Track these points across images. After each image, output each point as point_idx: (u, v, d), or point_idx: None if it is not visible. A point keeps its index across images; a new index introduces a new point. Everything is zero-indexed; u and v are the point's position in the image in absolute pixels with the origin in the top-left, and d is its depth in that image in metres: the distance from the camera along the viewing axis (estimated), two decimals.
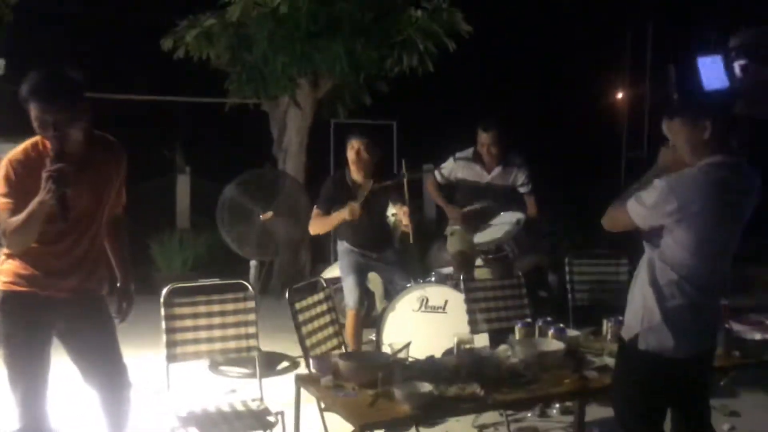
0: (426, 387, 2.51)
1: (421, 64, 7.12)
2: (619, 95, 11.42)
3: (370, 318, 5.15)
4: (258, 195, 5.11)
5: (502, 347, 3.03)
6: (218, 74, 7.51)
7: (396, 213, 4.62)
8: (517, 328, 3.29)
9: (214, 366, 4.95)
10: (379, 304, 5.55)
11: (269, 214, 5.06)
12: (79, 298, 2.76)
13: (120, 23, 9.23)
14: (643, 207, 2.50)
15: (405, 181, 4.29)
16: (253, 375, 4.70)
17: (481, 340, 3.89)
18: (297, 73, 7.18)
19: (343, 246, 4.62)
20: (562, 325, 3.30)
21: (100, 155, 2.73)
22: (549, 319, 3.35)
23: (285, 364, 5.16)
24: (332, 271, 6.41)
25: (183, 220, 8.76)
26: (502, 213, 4.76)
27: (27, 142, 2.61)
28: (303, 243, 7.90)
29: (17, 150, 2.60)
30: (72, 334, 2.80)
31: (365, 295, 4.63)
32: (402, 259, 4.79)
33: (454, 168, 4.93)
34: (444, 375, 2.73)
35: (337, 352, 3.39)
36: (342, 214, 4.28)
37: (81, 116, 2.56)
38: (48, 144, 2.52)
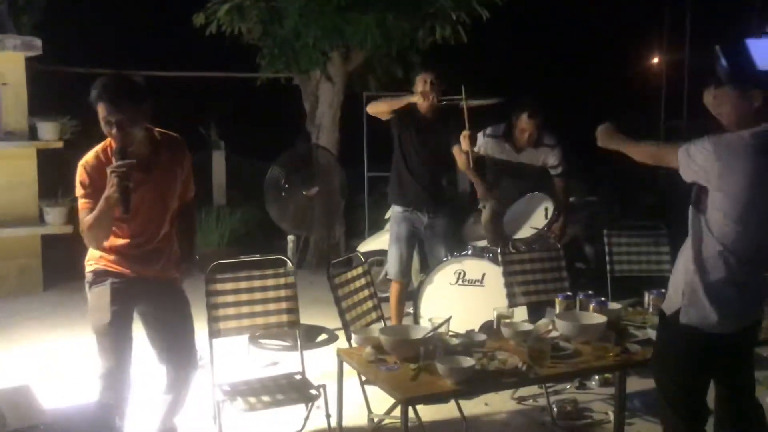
0: (468, 361, 2.52)
1: (454, 34, 7.04)
2: (657, 62, 11.14)
3: (407, 290, 5.17)
4: (303, 171, 5.13)
5: (543, 321, 3.03)
6: (251, 49, 7.52)
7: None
8: (558, 301, 3.27)
9: (255, 339, 5.03)
10: (415, 278, 5.57)
11: (314, 189, 5.10)
12: (161, 283, 3.03)
13: (151, 1, 9.26)
14: (690, 160, 2.44)
15: (465, 105, 4.24)
16: (293, 348, 4.78)
17: (519, 313, 3.89)
18: (328, 47, 7.15)
19: (394, 211, 4.65)
20: (603, 298, 3.27)
21: (165, 155, 2.95)
22: (590, 292, 3.32)
23: (324, 336, 5.22)
24: (367, 245, 6.46)
25: (219, 196, 8.86)
26: (530, 194, 4.64)
27: (98, 147, 2.87)
28: (338, 217, 7.94)
29: (89, 155, 2.86)
30: (153, 315, 3.05)
31: (409, 265, 4.65)
32: (452, 229, 4.74)
33: (483, 144, 4.83)
34: (485, 349, 2.73)
35: (376, 325, 3.42)
36: (409, 98, 4.35)
37: (143, 118, 2.79)
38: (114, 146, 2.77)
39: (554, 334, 2.93)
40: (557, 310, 3.25)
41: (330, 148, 7.86)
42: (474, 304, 4.30)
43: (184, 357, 3.09)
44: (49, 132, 6.38)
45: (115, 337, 2.87)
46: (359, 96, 8.03)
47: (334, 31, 6.84)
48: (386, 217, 6.36)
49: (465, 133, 4.28)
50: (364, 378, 3.17)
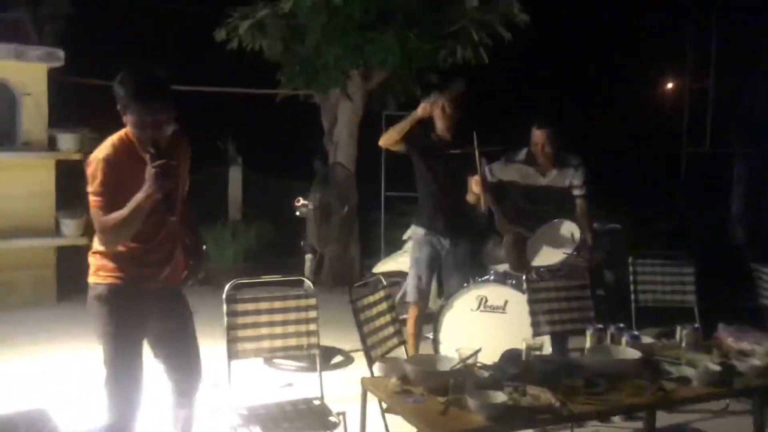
0: (500, 397, 2.43)
1: (475, 56, 7.00)
2: (680, 88, 11.05)
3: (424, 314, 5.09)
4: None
5: (573, 354, 2.93)
6: (270, 66, 7.50)
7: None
8: (588, 333, 3.17)
9: (270, 359, 4.95)
10: (432, 303, 5.49)
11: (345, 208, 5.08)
12: (169, 289, 2.88)
13: (174, 14, 9.29)
14: None
15: (477, 153, 4.19)
16: (308, 369, 4.71)
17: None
18: (349, 65, 7.12)
19: (417, 234, 4.56)
20: (636, 332, 3.17)
21: (177, 149, 2.77)
22: (621, 325, 3.22)
23: (339, 358, 5.14)
24: (384, 266, 6.38)
25: (235, 212, 8.82)
26: (556, 220, 4.56)
27: (113, 138, 2.66)
28: (353, 236, 7.88)
29: (104, 147, 2.64)
30: (161, 326, 2.88)
31: (429, 289, 4.57)
32: (474, 255, 4.67)
33: (505, 170, 4.70)
34: (515, 383, 2.64)
35: (394, 355, 3.34)
36: (413, 114, 4.28)
37: (173, 113, 2.64)
38: (132, 138, 2.61)
39: (586, 368, 2.82)
40: (587, 343, 3.15)
41: (347, 166, 7.84)
42: (495, 332, 4.20)
43: (192, 367, 3.01)
44: (68, 143, 6.37)
45: (127, 357, 2.76)
46: (378, 114, 8.00)
47: (355, 50, 6.82)
48: (404, 238, 6.30)
49: (476, 178, 4.23)
50: (384, 405, 3.08)
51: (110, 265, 2.74)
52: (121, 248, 2.71)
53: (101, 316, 2.74)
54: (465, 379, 2.56)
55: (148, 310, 2.82)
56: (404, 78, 7.52)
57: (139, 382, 2.81)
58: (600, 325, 3.21)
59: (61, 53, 6.33)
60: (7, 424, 2.58)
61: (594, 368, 2.85)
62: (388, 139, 4.45)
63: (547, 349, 3.84)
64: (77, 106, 6.95)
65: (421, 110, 4.30)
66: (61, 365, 4.81)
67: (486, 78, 7.76)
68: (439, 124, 4.44)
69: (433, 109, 4.37)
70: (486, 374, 2.71)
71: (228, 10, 7.07)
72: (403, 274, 5.97)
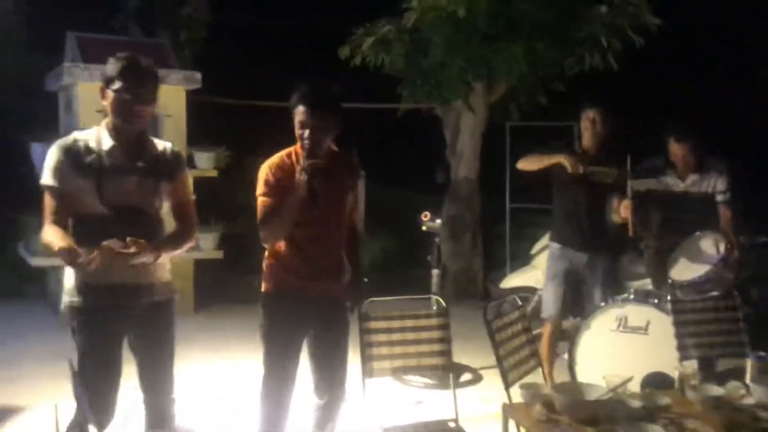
0: (655, 430, 2.28)
1: (604, 62, 6.75)
2: None
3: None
4: None
5: (733, 384, 2.71)
6: (390, 80, 7.56)
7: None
8: (750, 362, 2.92)
9: (400, 374, 4.94)
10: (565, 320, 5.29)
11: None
12: (327, 302, 3.01)
13: (299, 33, 9.59)
14: None
15: (629, 175, 4.03)
16: (437, 386, 4.66)
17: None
18: (472, 77, 7.06)
19: (553, 248, 4.44)
20: None
21: (341, 169, 2.99)
22: None
23: (468, 376, 5.06)
24: (511, 281, 6.23)
25: (358, 225, 8.93)
26: (698, 233, 4.27)
27: (283, 152, 2.95)
28: (477, 249, 7.78)
29: (274, 157, 2.93)
30: (320, 338, 3.04)
31: (566, 306, 4.40)
32: (613, 272, 4.47)
33: (640, 181, 4.51)
34: (670, 415, 2.47)
35: (530, 377, 3.23)
36: (558, 158, 4.13)
37: (334, 127, 2.87)
38: (300, 152, 2.84)
39: (748, 401, 2.61)
40: (748, 373, 2.90)
41: (471, 178, 7.77)
42: (636, 354, 4.00)
43: (336, 383, 3.08)
44: (205, 161, 6.69)
45: (283, 363, 2.94)
46: (502, 125, 7.88)
47: (480, 61, 6.74)
48: (531, 252, 6.13)
49: (626, 203, 4.05)
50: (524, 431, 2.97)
51: (272, 272, 2.98)
52: (281, 255, 2.93)
53: (261, 319, 2.99)
54: (616, 409, 2.42)
55: (305, 319, 2.97)
56: (529, 87, 7.37)
57: (287, 385, 2.95)
58: (762, 353, 2.95)
59: (198, 76, 6.66)
60: None
61: (759, 401, 2.62)
62: (528, 166, 4.35)
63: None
64: (213, 125, 7.29)
65: (568, 164, 4.10)
66: (200, 373, 5.01)
67: (614, 85, 7.48)
68: (587, 138, 4.28)
69: (582, 121, 4.26)
70: (638, 404, 2.55)
71: (352, 28, 7.21)
72: (530, 290, 5.81)
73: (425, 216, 5.27)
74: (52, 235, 2.53)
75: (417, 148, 9.54)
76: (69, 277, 2.69)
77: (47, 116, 7.25)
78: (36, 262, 6.40)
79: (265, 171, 2.90)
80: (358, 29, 7.18)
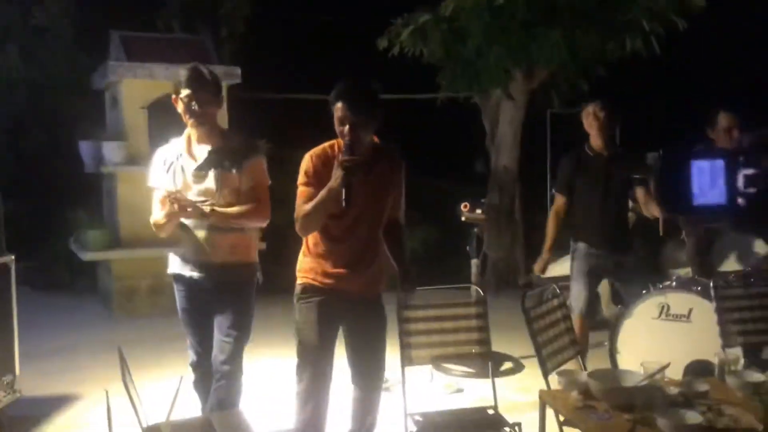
0: (693, 417, 2.26)
1: (646, 46, 6.63)
2: None
3: (593, 320, 4.88)
4: None
5: None
6: (427, 70, 7.56)
7: (637, 204, 4.30)
8: None
9: (438, 363, 4.97)
10: (605, 308, 5.25)
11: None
12: (364, 298, 3.03)
13: (338, 27, 9.64)
14: None
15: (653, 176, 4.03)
16: (477, 375, 4.66)
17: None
18: (511, 65, 7.01)
19: (578, 248, 4.42)
20: None
21: (383, 164, 2.97)
22: None
23: (509, 365, 5.05)
24: (551, 270, 6.19)
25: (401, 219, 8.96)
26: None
27: (326, 143, 2.96)
28: (517, 238, 7.74)
29: (318, 148, 2.96)
30: (354, 332, 3.07)
31: (593, 301, 4.40)
32: (643, 265, 4.44)
33: None
34: (708, 401, 2.45)
35: (569, 366, 3.23)
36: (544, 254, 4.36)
37: (374, 123, 2.86)
38: (342, 144, 2.83)
39: None
40: None
41: (511, 168, 7.73)
42: (679, 342, 3.95)
43: (374, 378, 3.13)
44: None
45: (317, 357, 2.96)
46: (543, 113, 7.81)
47: (519, 49, 6.70)
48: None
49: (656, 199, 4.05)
50: (561, 418, 2.98)
51: (305, 266, 3.01)
52: (313, 246, 2.97)
53: (295, 312, 3.02)
54: (653, 396, 2.42)
55: (338, 313, 2.99)
56: (569, 73, 7.28)
57: (321, 381, 2.97)
58: None
59: (238, 71, 6.77)
60: (203, 422, 2.79)
61: None
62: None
63: (740, 363, 3.54)
64: (254, 119, 7.40)
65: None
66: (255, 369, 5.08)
67: (657, 68, 7.32)
68: (594, 136, 4.23)
69: (585, 119, 4.22)
70: (675, 391, 2.53)
71: (390, 20, 7.23)
72: (568, 278, 5.77)
73: (465, 206, 5.28)
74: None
75: (458, 138, 9.51)
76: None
77: (95, 114, 7.47)
78: (87, 256, 6.61)
79: (306, 161, 2.93)
80: (395, 20, 7.19)
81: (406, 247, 3.22)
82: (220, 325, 3.22)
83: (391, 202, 3.04)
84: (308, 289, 2.99)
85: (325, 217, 2.86)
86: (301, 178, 2.93)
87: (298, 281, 3.04)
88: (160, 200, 3.18)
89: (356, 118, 2.77)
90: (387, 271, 3.11)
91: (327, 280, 2.96)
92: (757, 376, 2.66)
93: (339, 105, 2.79)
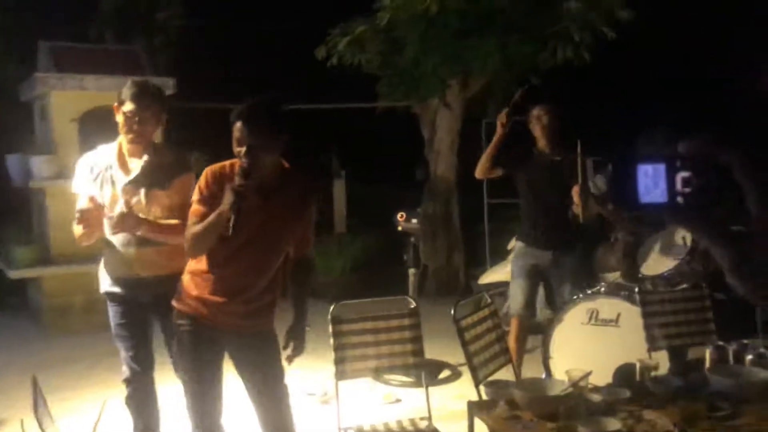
0: (613, 424, 2.33)
1: (576, 55, 6.80)
2: None
3: (532, 323, 4.96)
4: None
5: (693, 375, 2.76)
6: (367, 79, 7.59)
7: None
8: (708, 351, 2.99)
9: (377, 373, 4.97)
10: (540, 312, 5.34)
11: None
12: (244, 329, 2.79)
13: (274, 36, 9.59)
14: None
15: (579, 160, 4.07)
16: (415, 384, 4.69)
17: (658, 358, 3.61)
18: (447, 74, 7.10)
19: (517, 246, 4.51)
20: (763, 350, 2.96)
21: (290, 190, 2.77)
22: (745, 342, 3.01)
23: (447, 372, 5.10)
24: (489, 276, 6.29)
25: (340, 224, 8.97)
26: (669, 228, 4.34)
27: (227, 161, 2.77)
28: (456, 247, 7.82)
29: (216, 165, 2.78)
30: (239, 360, 2.86)
31: (532, 302, 4.47)
32: (582, 266, 4.52)
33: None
34: (630, 408, 2.52)
35: (501, 373, 3.27)
36: (497, 135, 4.25)
37: (276, 148, 2.68)
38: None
39: (707, 390, 2.65)
40: (707, 363, 2.96)
41: (448, 175, 7.81)
42: (608, 346, 4.04)
43: (271, 411, 2.84)
44: None
45: (187, 383, 2.82)
46: (478, 122, 7.91)
47: (454, 58, 6.78)
48: (508, 247, 6.18)
49: (576, 188, 4.10)
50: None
51: (186, 291, 2.79)
52: (195, 263, 2.77)
53: (177, 338, 2.85)
54: (576, 404, 2.47)
55: (218, 341, 2.80)
56: (504, 83, 7.41)
57: (208, 412, 2.80)
58: (720, 343, 3.01)
59: (171, 82, 6.65)
60: None
61: (717, 390, 2.68)
62: (482, 167, 4.39)
63: (665, 365, 3.65)
64: (188, 130, 7.28)
65: (499, 127, 4.22)
66: None
67: (590, 80, 7.50)
68: (539, 138, 4.36)
69: (530, 120, 4.30)
70: (598, 398, 2.60)
71: (328, 29, 7.22)
72: (508, 285, 5.86)
73: (401, 216, 5.31)
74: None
75: (399, 146, 9.56)
76: None
77: (23, 127, 7.23)
78: (14, 274, 6.40)
79: (202, 177, 2.75)
80: (333, 30, 7.20)
81: (306, 293, 2.99)
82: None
83: (294, 234, 2.82)
84: (183, 316, 2.79)
85: (212, 241, 2.67)
86: (195, 194, 2.75)
87: (176, 306, 2.81)
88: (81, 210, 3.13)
89: (254, 140, 2.59)
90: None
91: (202, 309, 2.74)
92: (676, 381, 2.75)
93: (237, 125, 2.62)
